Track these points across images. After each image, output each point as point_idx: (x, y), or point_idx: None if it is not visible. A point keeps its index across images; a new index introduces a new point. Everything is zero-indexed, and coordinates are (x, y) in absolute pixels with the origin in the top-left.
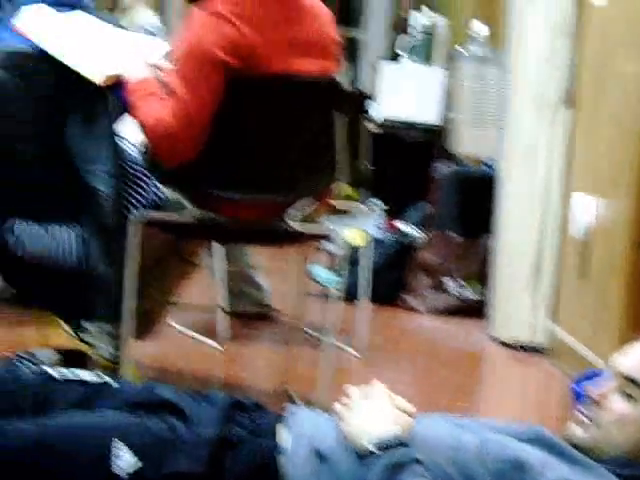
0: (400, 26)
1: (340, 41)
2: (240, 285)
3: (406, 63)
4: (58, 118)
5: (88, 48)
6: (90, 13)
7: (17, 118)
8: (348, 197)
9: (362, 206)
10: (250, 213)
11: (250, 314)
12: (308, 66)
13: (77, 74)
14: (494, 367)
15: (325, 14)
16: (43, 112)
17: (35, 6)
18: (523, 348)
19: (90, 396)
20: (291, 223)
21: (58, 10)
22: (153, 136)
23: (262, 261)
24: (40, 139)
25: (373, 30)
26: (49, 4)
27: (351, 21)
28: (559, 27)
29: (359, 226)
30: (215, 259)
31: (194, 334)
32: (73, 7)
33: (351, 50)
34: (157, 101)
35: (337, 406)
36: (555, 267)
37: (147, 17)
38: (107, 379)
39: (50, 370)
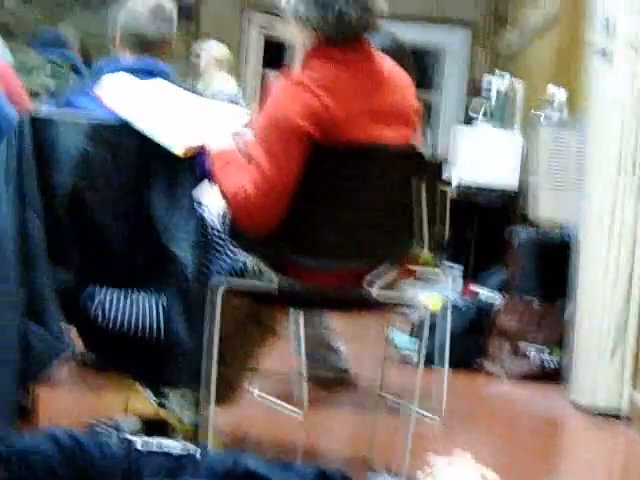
0: (475, 89)
1: (420, 109)
2: (319, 350)
3: (482, 126)
4: (140, 186)
5: (169, 118)
6: (170, 80)
7: (101, 188)
8: (426, 262)
9: (440, 271)
10: (330, 280)
11: (329, 379)
12: (388, 134)
13: (160, 146)
14: (574, 434)
15: (405, 82)
16: (126, 181)
17: (116, 74)
18: (604, 415)
19: (175, 468)
20: (370, 290)
21: (138, 77)
22: (235, 205)
23: (340, 326)
24: (123, 207)
25: (448, 93)
26: (129, 71)
27: (426, 84)
28: (638, 93)
29: (437, 291)
30: (294, 324)
31: (273, 400)
32: (153, 74)
33: (426, 113)
34: (239, 171)
35: (421, 475)
36: (638, 333)
37: (224, 82)
38: (190, 449)
39: (133, 439)
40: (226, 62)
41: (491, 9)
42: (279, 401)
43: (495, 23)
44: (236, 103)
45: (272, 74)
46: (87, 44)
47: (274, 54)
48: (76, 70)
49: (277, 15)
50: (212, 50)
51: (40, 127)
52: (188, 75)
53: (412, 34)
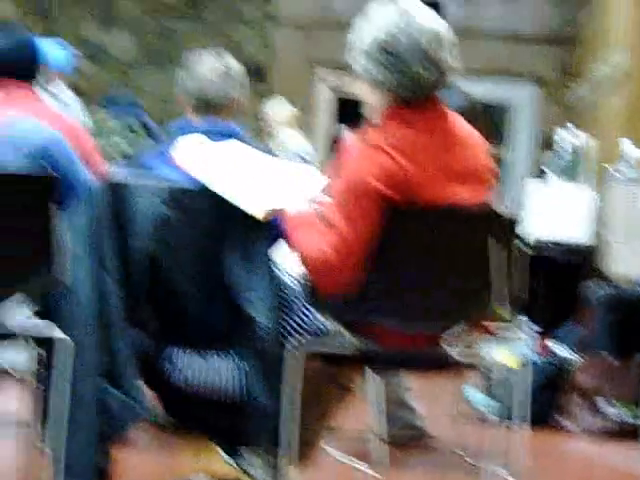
0: (546, 143)
1: (494, 167)
2: (394, 409)
3: (553, 181)
4: (217, 249)
5: (246, 181)
6: (244, 141)
7: (177, 251)
8: (501, 319)
9: (515, 327)
10: (407, 340)
11: (404, 438)
12: (463, 194)
13: (236, 208)
14: None
15: (478, 140)
16: (202, 244)
17: (192, 136)
18: None
19: None
20: (447, 349)
21: (214, 139)
22: (312, 268)
23: (415, 383)
24: (199, 270)
25: (518, 147)
26: (202, 133)
27: (495, 139)
28: None
29: (512, 348)
30: (369, 384)
31: (349, 459)
32: (226, 136)
33: (497, 168)
34: (317, 234)
35: None
36: None
37: (294, 140)
38: None
39: None
40: (295, 120)
41: (561, 63)
42: (355, 461)
43: (565, 77)
44: (307, 161)
45: (345, 131)
46: (157, 105)
47: (347, 110)
48: (149, 132)
49: (349, 72)
50: (281, 109)
51: (117, 191)
52: (259, 133)
53: (481, 89)
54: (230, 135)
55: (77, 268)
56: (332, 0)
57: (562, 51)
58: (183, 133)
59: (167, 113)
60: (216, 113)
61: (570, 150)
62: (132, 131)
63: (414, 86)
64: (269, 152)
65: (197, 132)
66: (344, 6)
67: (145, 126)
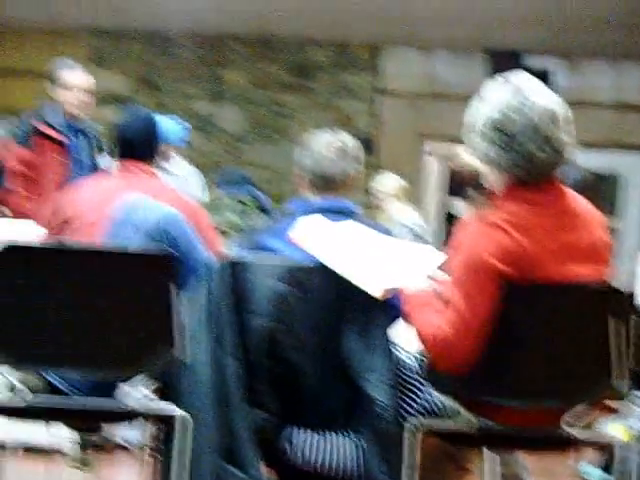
0: None
1: (610, 243)
2: None
3: None
4: (335, 327)
5: (364, 260)
6: (361, 220)
7: (296, 329)
8: (619, 395)
9: (631, 403)
10: (526, 419)
11: None
12: (582, 271)
13: (354, 286)
14: None
15: (596, 217)
16: (321, 322)
17: (311, 217)
18: None
19: None
20: (567, 429)
21: (328, 217)
22: (431, 346)
23: (530, 460)
24: (318, 349)
25: (630, 219)
26: (320, 211)
27: (607, 211)
28: None
29: (629, 423)
30: (487, 463)
31: None
32: (342, 213)
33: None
34: (435, 312)
35: None
36: None
37: (407, 214)
38: None
39: None
40: (404, 193)
41: None
42: None
43: None
44: (418, 234)
45: (462, 208)
46: (266, 177)
47: (457, 182)
48: (261, 206)
49: (458, 144)
50: (390, 182)
51: (235, 269)
52: (368, 207)
53: (593, 160)
54: (347, 213)
55: (196, 346)
56: (440, 72)
57: None
58: (301, 213)
59: (276, 186)
60: (333, 190)
61: None
62: (245, 206)
63: (529, 166)
64: (385, 231)
65: (315, 211)
66: (452, 78)
67: (257, 200)
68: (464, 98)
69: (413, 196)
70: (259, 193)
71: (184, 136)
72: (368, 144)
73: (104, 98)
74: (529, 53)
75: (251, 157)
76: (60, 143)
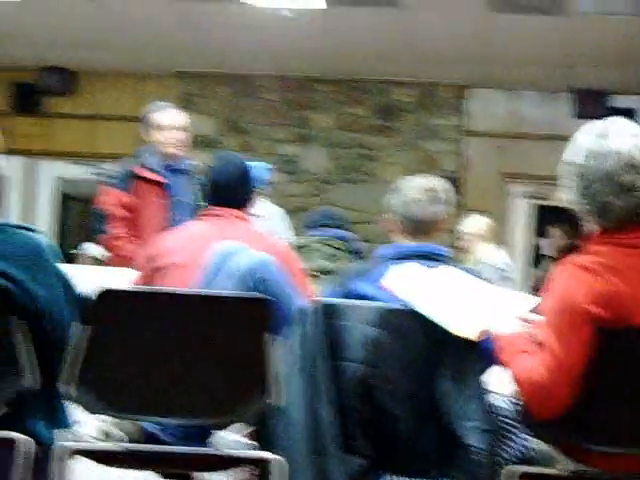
0: None
1: None
2: None
3: None
4: (428, 371)
5: (457, 304)
6: (452, 265)
7: (389, 374)
8: None
9: None
10: (623, 464)
11: None
12: None
13: (447, 331)
14: None
15: None
16: (415, 366)
17: (403, 263)
18: None
19: None
20: None
21: (424, 264)
22: (527, 390)
23: None
24: (411, 393)
25: None
26: (412, 256)
27: None
28: None
29: None
30: None
31: None
32: (437, 259)
33: None
34: (529, 355)
35: None
36: None
37: (494, 255)
38: None
39: None
40: (491, 233)
41: None
42: None
43: None
44: (506, 274)
45: (545, 244)
46: (353, 219)
47: (544, 221)
48: (351, 250)
49: (544, 183)
50: (477, 222)
51: (327, 313)
52: (455, 248)
53: None
54: (439, 257)
55: (290, 390)
56: (525, 112)
57: None
58: (393, 258)
59: (361, 228)
60: (424, 233)
61: None
62: (334, 249)
63: (607, 214)
64: (477, 275)
65: (406, 256)
66: (537, 118)
67: (346, 241)
68: (549, 138)
69: (499, 236)
70: (349, 234)
71: (269, 178)
72: (453, 184)
73: (192, 140)
74: (614, 93)
75: (336, 199)
76: (158, 184)
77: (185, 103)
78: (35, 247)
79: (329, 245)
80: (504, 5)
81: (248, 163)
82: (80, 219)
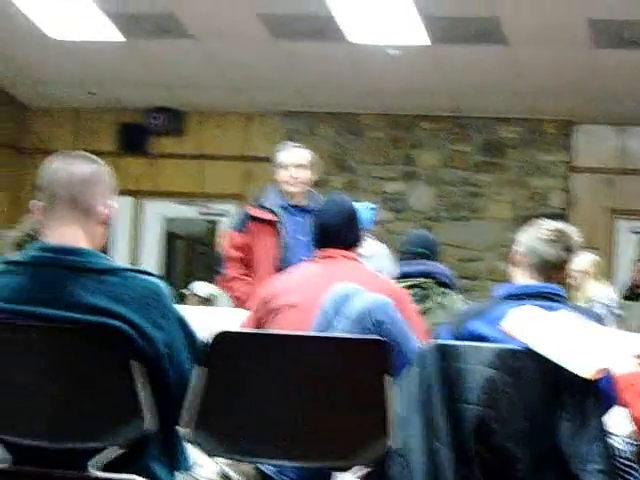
0: None
1: None
2: None
3: None
4: (546, 412)
5: (574, 344)
6: (569, 306)
7: (507, 416)
8: None
9: None
10: None
11: None
12: None
13: (565, 371)
14: None
15: None
16: (532, 407)
17: (524, 306)
18: None
19: None
20: None
21: (540, 304)
22: None
23: None
24: (529, 435)
25: None
26: (531, 297)
27: None
28: None
29: None
30: None
31: None
32: (554, 300)
33: None
34: None
35: None
36: None
37: (603, 291)
38: None
39: None
40: (599, 271)
41: None
42: None
43: None
44: (615, 310)
45: None
46: (461, 257)
47: None
48: (442, 283)
49: None
50: (585, 261)
51: (444, 353)
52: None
53: None
54: (555, 297)
55: (408, 431)
56: (632, 148)
57: None
58: (511, 298)
59: (469, 265)
60: (547, 275)
61: None
62: (423, 289)
63: None
64: (596, 318)
65: (524, 296)
66: None
67: (433, 277)
68: None
69: (607, 272)
70: (435, 266)
71: (375, 218)
72: (559, 219)
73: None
74: None
75: (442, 236)
76: (272, 223)
77: (291, 142)
78: (153, 291)
79: (415, 286)
80: (609, 41)
81: (354, 204)
82: (186, 258)
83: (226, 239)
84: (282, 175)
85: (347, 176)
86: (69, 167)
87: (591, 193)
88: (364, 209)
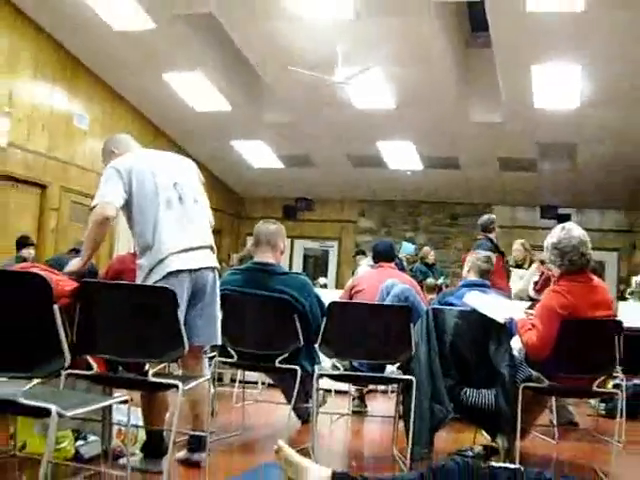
0: None
1: (612, 299)
2: (562, 410)
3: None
4: (484, 341)
5: (495, 307)
6: (495, 293)
7: (465, 340)
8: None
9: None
10: (574, 382)
11: (565, 424)
12: (599, 313)
13: (492, 319)
14: None
15: (604, 286)
16: (477, 337)
17: (473, 290)
18: None
19: (510, 476)
20: (595, 387)
21: (482, 292)
22: (527, 346)
23: (570, 400)
24: (476, 349)
25: None
26: (477, 287)
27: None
28: None
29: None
30: (553, 403)
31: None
32: (485, 289)
33: None
34: (529, 330)
35: None
36: None
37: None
38: (512, 466)
39: (481, 462)
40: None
41: None
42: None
43: None
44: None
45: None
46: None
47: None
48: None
49: None
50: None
51: (435, 313)
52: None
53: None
54: (487, 288)
55: (418, 349)
56: None
57: None
58: (468, 287)
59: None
60: (482, 276)
61: None
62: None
63: (572, 266)
64: (505, 296)
65: (474, 285)
66: None
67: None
68: None
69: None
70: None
71: (416, 250)
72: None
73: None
74: None
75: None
76: None
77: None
78: (303, 281)
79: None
80: None
81: (404, 242)
82: (313, 269)
83: None
84: None
85: (387, 228)
86: (276, 225)
87: None
88: (406, 246)
